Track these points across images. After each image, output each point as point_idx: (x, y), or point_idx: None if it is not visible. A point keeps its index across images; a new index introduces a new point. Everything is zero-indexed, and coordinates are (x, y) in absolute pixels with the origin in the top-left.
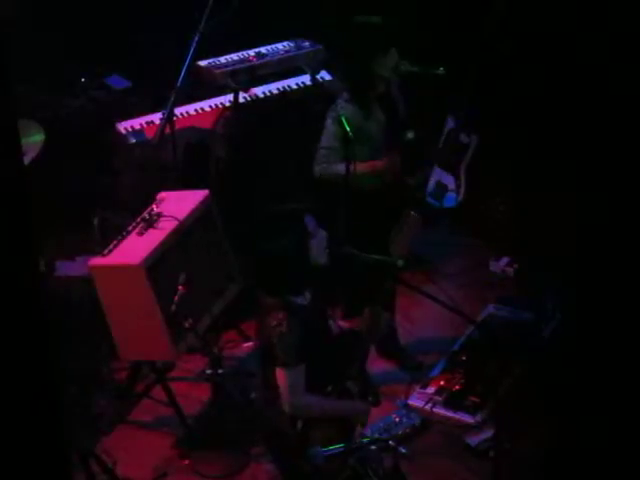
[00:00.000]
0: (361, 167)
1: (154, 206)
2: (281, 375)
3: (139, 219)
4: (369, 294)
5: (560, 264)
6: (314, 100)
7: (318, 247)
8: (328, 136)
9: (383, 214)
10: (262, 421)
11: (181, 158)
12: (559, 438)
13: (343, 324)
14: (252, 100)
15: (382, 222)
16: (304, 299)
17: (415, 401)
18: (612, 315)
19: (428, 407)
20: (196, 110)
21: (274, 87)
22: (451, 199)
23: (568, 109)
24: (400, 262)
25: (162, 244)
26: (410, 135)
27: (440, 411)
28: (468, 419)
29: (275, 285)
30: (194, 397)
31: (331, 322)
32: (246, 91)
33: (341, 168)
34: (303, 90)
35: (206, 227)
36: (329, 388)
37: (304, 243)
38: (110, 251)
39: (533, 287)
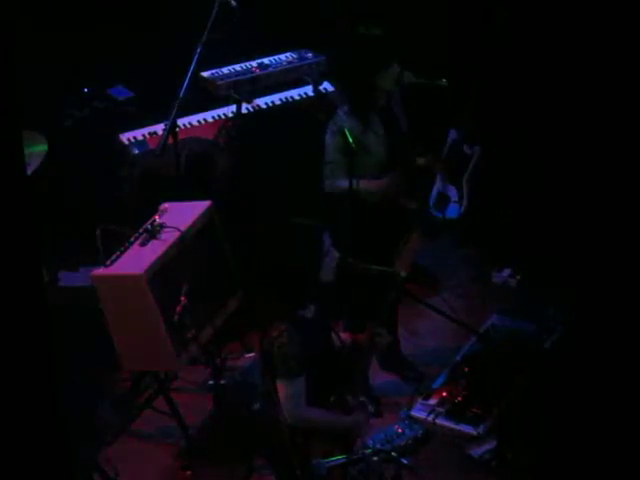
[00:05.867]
0: (363, 185)
1: (156, 217)
2: (281, 386)
3: (142, 230)
4: (371, 308)
5: (562, 276)
6: (317, 111)
7: (328, 265)
8: (329, 150)
9: (387, 227)
10: (263, 432)
11: (183, 169)
12: (561, 449)
13: (345, 336)
14: (255, 111)
15: (385, 235)
16: (308, 312)
17: (417, 412)
18: (614, 327)
19: (430, 418)
20: (199, 121)
21: (277, 98)
22: (454, 210)
23: (572, 120)
24: (402, 273)
25: (164, 255)
26: (421, 162)
27: (442, 422)
28: (470, 430)
29: (281, 296)
30: (196, 408)
31: (334, 336)
32: (249, 102)
33: (346, 183)
34: (306, 101)
35: (208, 238)
36: (332, 398)
37: (318, 259)
38: (113, 261)
39: (535, 298)
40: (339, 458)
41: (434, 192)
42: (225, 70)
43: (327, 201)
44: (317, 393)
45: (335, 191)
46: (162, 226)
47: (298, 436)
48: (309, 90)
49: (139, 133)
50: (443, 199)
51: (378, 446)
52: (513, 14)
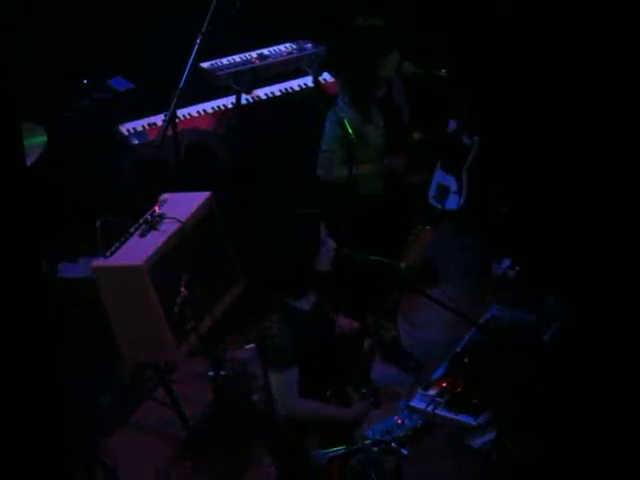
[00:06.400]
0: (363, 168)
1: (156, 207)
2: (273, 377)
3: (141, 220)
4: (371, 300)
5: (562, 267)
6: (316, 101)
7: (325, 255)
8: (328, 139)
9: (386, 218)
10: (262, 423)
11: (183, 159)
12: (561, 440)
13: (345, 322)
14: (254, 102)
15: (385, 226)
16: (305, 304)
17: (417, 403)
18: (614, 318)
19: (430, 409)
20: (198, 112)
21: (276, 89)
22: (453, 201)
23: (571, 111)
24: (403, 265)
25: (164, 245)
26: (417, 136)
27: (442, 413)
28: (470, 421)
29: (276, 286)
30: (196, 399)
31: (336, 328)
32: (248, 93)
33: (342, 171)
34: (305, 91)
35: (208, 228)
36: (327, 393)
37: (316, 249)
38: (113, 252)
39: (535, 290)
40: (339, 449)
41: (434, 183)
42: (225, 61)
43: (325, 191)
44: (314, 385)
45: (329, 180)
46: (162, 217)
47: (296, 427)
48: (309, 81)
49: (139, 124)
50: (443, 190)
51: (378, 437)
52: (515, 4)
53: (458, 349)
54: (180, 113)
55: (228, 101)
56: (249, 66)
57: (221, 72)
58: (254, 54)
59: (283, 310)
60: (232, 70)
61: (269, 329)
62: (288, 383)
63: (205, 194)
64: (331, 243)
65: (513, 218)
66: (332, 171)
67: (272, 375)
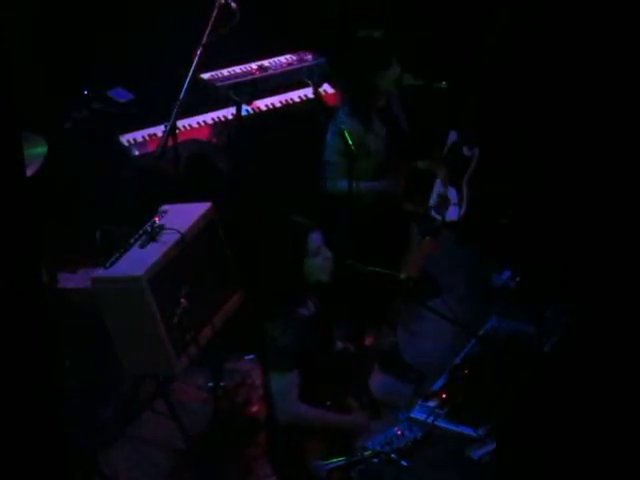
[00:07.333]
0: (363, 187)
1: (156, 218)
2: (273, 379)
3: (141, 231)
4: (374, 312)
5: (562, 277)
6: (317, 113)
7: (322, 266)
8: (330, 151)
9: (387, 230)
10: (264, 434)
11: (183, 170)
12: (561, 451)
13: (342, 345)
14: (255, 113)
15: (385, 237)
16: (306, 310)
17: (417, 414)
18: (614, 329)
19: (430, 420)
20: (198, 123)
21: (277, 100)
22: (453, 212)
23: (572, 121)
24: (403, 275)
25: (164, 256)
26: (421, 165)
27: (442, 424)
28: (470, 432)
29: (275, 293)
30: (195, 410)
31: (338, 342)
32: (249, 104)
33: (345, 184)
34: (306, 103)
35: (208, 239)
36: (328, 403)
37: (302, 255)
38: (112, 263)
39: (535, 300)
40: (339, 460)
41: (434, 194)
42: (225, 72)
43: (326, 202)
44: (315, 394)
45: (336, 192)
46: (162, 228)
47: (296, 438)
48: (309, 92)
49: (139, 135)
50: (443, 201)
51: (378, 448)
52: (515, 16)
53: (458, 360)
54: (180, 124)
55: (228, 112)
56: (249, 77)
57: (221, 83)
58: (254, 65)
59: (284, 314)
60: (232, 81)
61: (271, 331)
62: (289, 385)
63: (205, 205)
64: (327, 253)
65: (513, 229)
66: (338, 183)
67: (273, 377)
